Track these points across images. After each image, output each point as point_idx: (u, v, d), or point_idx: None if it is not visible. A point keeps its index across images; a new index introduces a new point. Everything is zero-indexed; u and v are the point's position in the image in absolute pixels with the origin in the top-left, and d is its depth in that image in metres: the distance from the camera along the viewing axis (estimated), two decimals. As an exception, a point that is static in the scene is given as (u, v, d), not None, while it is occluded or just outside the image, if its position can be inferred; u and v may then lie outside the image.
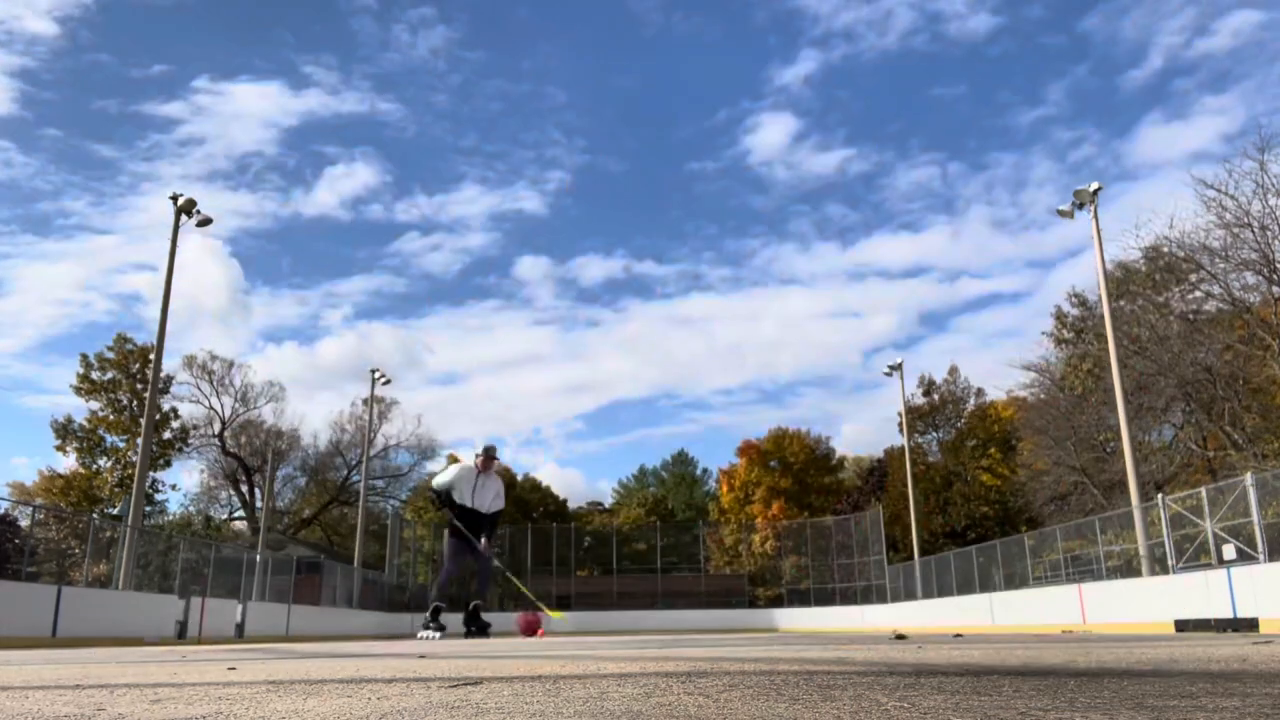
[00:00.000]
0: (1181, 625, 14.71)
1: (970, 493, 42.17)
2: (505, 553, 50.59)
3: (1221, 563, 15.52)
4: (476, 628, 10.51)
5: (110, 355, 43.91)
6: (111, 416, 43.32)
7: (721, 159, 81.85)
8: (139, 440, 25.32)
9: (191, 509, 52.02)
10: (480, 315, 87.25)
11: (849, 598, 40.56)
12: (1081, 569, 23.03)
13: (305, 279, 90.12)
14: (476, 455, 10.28)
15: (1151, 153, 73.65)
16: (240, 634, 21.29)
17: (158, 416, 40.56)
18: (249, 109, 78.07)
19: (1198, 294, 27.00)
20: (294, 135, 79.93)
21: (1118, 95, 72.30)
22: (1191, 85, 70.53)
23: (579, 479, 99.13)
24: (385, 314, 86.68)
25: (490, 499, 10.17)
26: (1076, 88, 74.61)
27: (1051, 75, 75.74)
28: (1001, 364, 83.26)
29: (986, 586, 26.95)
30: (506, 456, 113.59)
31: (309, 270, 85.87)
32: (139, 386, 42.74)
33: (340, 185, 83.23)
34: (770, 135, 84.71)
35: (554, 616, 12.07)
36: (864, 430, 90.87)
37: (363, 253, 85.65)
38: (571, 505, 61.75)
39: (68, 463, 43.85)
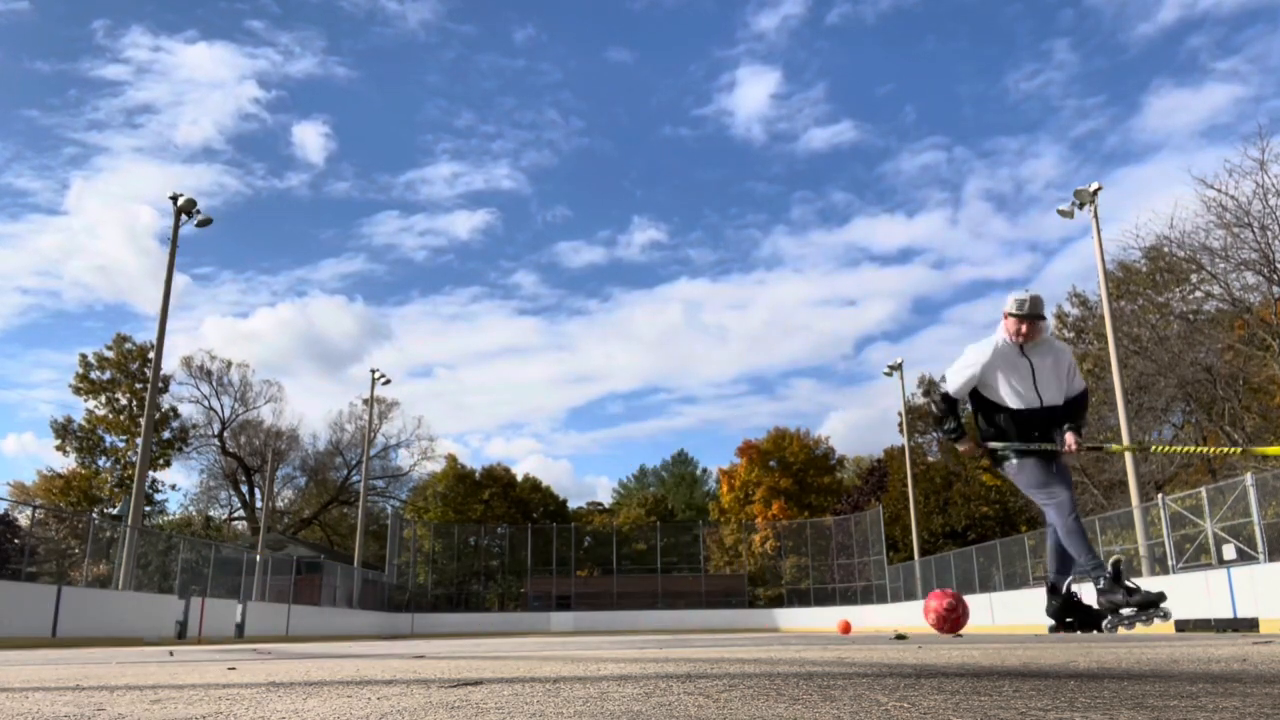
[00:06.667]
0: (1181, 625, 14.71)
1: (970, 493, 42.15)
2: (505, 553, 50.55)
3: (1221, 563, 15.53)
4: (1082, 617, 5.88)
5: (109, 354, 43.92)
6: (110, 416, 43.34)
7: (707, 136, 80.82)
8: (138, 440, 25.33)
9: (191, 509, 52.05)
10: (460, 303, 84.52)
11: (849, 598, 40.56)
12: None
13: (273, 261, 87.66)
14: (1009, 313, 5.24)
15: (1159, 125, 72.52)
16: (240, 634, 21.30)
17: (157, 416, 40.56)
18: (219, 79, 75.71)
19: (1198, 294, 27.04)
20: (265, 108, 77.07)
21: (1123, 62, 71.03)
22: (1204, 41, 68.21)
23: (567, 471, 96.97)
24: (366, 298, 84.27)
25: (1055, 380, 5.35)
26: (1083, 62, 73.43)
27: (1054, 39, 74.36)
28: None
29: (986, 586, 26.95)
30: (490, 450, 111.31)
31: (277, 252, 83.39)
32: (138, 386, 42.75)
33: (313, 161, 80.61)
34: (754, 92, 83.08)
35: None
36: (855, 422, 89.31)
37: (332, 232, 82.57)
38: (571, 505, 61.80)
39: (67, 463, 43.88)
